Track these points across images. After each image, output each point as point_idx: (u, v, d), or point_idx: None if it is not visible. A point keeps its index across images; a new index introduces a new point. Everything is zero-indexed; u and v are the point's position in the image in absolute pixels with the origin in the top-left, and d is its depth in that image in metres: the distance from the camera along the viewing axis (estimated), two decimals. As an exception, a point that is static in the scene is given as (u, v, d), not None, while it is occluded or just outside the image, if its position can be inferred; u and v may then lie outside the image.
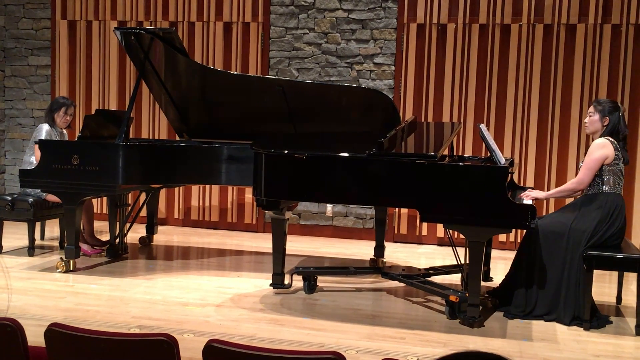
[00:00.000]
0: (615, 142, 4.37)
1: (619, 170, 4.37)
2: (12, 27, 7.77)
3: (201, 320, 4.16)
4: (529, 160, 6.55)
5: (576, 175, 4.49)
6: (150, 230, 6.34)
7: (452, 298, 4.27)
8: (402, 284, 4.95)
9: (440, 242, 6.69)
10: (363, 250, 6.28)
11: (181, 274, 5.31)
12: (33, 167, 5.32)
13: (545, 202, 6.42)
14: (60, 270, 5.15)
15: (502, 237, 6.47)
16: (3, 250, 5.77)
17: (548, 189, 6.20)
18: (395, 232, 6.84)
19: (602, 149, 4.34)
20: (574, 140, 6.44)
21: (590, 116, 4.48)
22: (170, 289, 4.83)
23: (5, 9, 7.76)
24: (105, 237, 5.99)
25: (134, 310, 4.32)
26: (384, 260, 5.67)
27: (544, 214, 6.06)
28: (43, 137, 5.48)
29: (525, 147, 6.56)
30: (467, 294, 4.19)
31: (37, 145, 5.42)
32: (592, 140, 4.50)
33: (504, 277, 4.65)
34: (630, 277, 4.75)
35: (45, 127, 5.61)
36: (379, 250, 5.65)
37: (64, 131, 5.83)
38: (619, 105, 4.50)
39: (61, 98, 5.85)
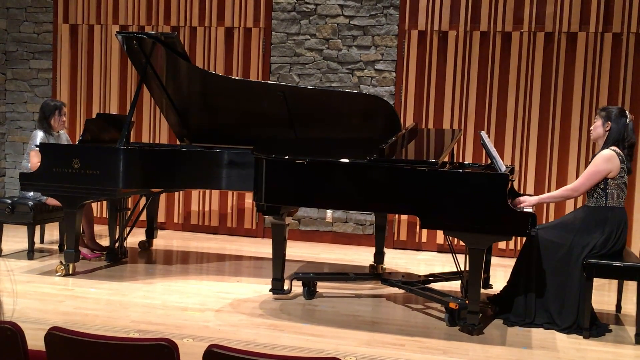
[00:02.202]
0: (622, 155, 4.30)
1: (623, 183, 4.32)
2: (14, 31, 7.79)
3: (200, 325, 4.16)
4: (529, 167, 6.55)
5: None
6: (150, 235, 6.34)
7: (452, 305, 4.26)
8: (401, 291, 4.95)
9: (440, 249, 6.69)
10: (363, 256, 6.28)
11: (180, 278, 5.30)
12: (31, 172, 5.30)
13: (545, 209, 6.43)
14: (59, 273, 5.15)
15: (501, 245, 6.47)
16: (3, 254, 5.77)
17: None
18: (395, 238, 6.84)
19: (607, 162, 4.27)
20: (574, 148, 6.45)
21: (594, 122, 4.47)
22: (169, 294, 4.83)
23: (7, 12, 7.78)
24: (105, 241, 5.99)
25: (133, 315, 4.32)
26: (384, 266, 5.66)
27: (544, 221, 6.07)
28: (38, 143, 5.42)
29: (525, 155, 6.56)
30: (467, 301, 4.19)
31: (33, 152, 5.41)
32: (596, 148, 4.47)
33: (504, 285, 4.65)
34: (630, 286, 4.75)
35: (39, 135, 5.52)
36: (379, 257, 5.64)
37: (61, 133, 5.75)
38: (627, 112, 4.40)
39: (50, 101, 5.73)
